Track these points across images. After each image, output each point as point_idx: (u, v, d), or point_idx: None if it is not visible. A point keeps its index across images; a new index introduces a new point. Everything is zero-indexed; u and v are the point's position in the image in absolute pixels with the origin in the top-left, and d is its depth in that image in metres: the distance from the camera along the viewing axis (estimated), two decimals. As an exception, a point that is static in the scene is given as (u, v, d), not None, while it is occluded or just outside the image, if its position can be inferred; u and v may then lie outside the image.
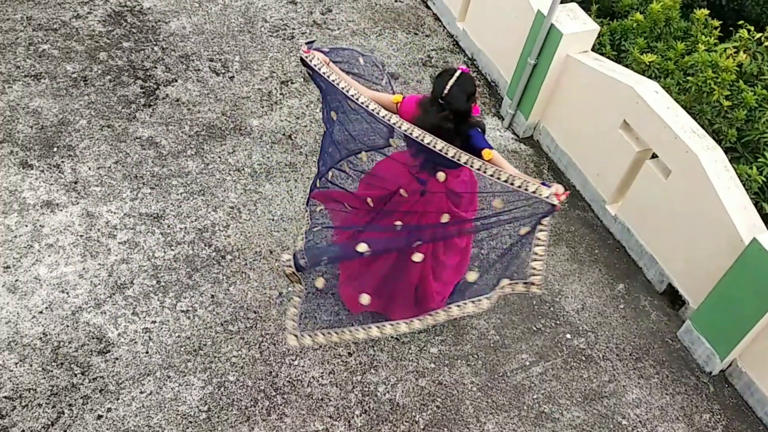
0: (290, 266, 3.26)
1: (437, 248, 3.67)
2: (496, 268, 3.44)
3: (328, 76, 3.36)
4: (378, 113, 3.23)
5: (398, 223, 3.57)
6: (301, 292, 3.51)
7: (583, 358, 4.28)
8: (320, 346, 4.02)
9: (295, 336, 3.49)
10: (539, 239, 3.20)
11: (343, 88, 3.32)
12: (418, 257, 3.58)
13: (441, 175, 3.39)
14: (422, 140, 3.13)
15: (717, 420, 4.14)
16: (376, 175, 3.71)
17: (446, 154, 3.12)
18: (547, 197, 3.05)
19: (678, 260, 4.54)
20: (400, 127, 3.19)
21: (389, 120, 3.21)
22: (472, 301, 3.42)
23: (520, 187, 3.06)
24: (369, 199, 3.68)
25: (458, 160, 3.11)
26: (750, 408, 4.21)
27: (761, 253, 3.85)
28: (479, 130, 3.40)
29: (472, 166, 3.11)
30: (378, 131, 3.55)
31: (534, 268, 3.26)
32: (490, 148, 3.31)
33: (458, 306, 3.46)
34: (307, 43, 3.45)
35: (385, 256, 3.61)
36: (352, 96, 3.29)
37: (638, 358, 4.33)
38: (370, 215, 3.68)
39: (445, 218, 3.50)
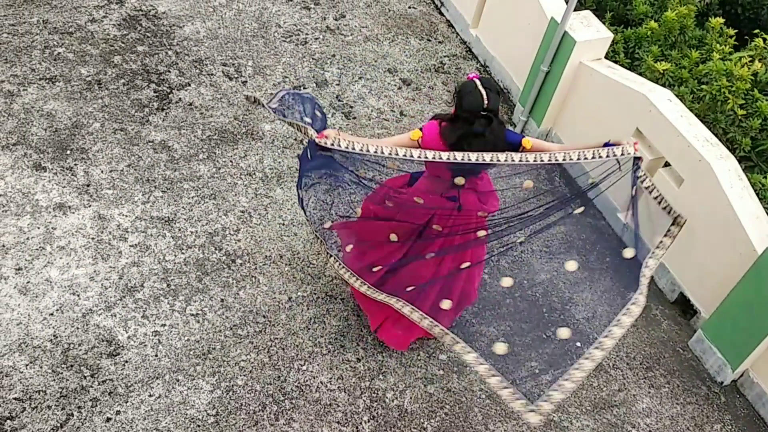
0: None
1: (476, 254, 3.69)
2: (555, 317, 3.47)
3: (361, 149, 3.19)
4: (426, 157, 3.16)
5: (430, 254, 3.56)
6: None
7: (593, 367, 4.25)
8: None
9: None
10: (648, 187, 3.21)
11: (374, 153, 3.19)
12: (465, 264, 3.60)
13: (459, 179, 3.39)
14: (470, 159, 3.09)
15: (728, 431, 4.09)
16: (401, 206, 3.61)
17: (514, 160, 3.12)
18: (623, 154, 3.10)
19: (690, 269, 4.50)
20: (450, 159, 3.11)
21: (444, 157, 3.12)
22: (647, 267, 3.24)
23: (587, 157, 3.10)
24: (393, 235, 3.61)
25: (528, 160, 3.13)
26: (762, 419, 4.17)
27: (774, 263, 3.82)
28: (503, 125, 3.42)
29: (535, 160, 3.13)
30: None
31: (665, 207, 3.26)
32: (523, 136, 3.37)
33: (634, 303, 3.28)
34: (308, 130, 3.30)
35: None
36: (389, 155, 3.18)
37: (649, 368, 4.30)
38: (402, 250, 3.64)
39: (481, 233, 3.52)
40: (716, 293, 4.25)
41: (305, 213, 3.65)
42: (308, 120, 3.45)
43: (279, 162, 4.96)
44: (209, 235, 4.48)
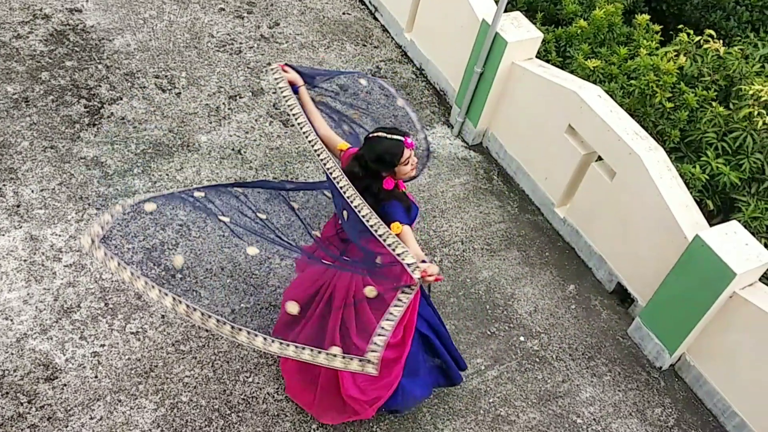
0: None
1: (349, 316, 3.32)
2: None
3: (286, 99, 3.23)
4: (319, 155, 3.13)
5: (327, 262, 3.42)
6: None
7: (537, 360, 4.32)
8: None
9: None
10: (392, 314, 2.90)
11: (295, 116, 3.19)
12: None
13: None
14: (340, 184, 3.05)
15: (669, 414, 4.22)
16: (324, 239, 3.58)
17: (356, 208, 3.01)
18: (411, 269, 2.84)
19: (625, 259, 4.63)
20: (334, 175, 3.08)
21: (325, 163, 3.12)
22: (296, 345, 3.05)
23: (395, 251, 2.89)
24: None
25: (367, 220, 2.99)
26: (700, 400, 4.31)
27: (704, 249, 3.95)
28: (401, 204, 3.23)
29: (360, 212, 3.01)
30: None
31: (375, 343, 2.85)
32: (404, 223, 3.13)
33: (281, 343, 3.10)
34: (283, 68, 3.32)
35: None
36: (305, 133, 3.18)
37: (591, 357, 4.39)
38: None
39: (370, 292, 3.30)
40: (652, 281, 4.38)
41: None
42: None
43: (216, 173, 4.90)
44: (147, 251, 4.39)
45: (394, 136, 3.19)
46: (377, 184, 3.21)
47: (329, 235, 3.50)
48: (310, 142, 3.18)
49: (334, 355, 2.98)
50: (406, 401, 3.67)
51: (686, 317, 4.16)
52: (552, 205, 5.07)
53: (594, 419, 4.10)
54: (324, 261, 3.38)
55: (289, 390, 3.86)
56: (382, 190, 3.21)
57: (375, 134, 3.22)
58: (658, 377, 4.38)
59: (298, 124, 3.23)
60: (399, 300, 2.92)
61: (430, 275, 2.86)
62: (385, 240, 2.94)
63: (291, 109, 3.27)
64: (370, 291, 3.17)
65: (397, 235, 2.99)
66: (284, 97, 3.31)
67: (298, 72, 3.45)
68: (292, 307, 3.38)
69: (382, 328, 2.86)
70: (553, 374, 4.27)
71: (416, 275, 2.85)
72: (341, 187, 3.06)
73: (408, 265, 2.86)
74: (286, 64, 3.44)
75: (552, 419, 4.07)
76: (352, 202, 3.04)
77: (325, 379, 3.55)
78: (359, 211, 3.01)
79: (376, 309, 3.07)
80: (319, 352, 3.00)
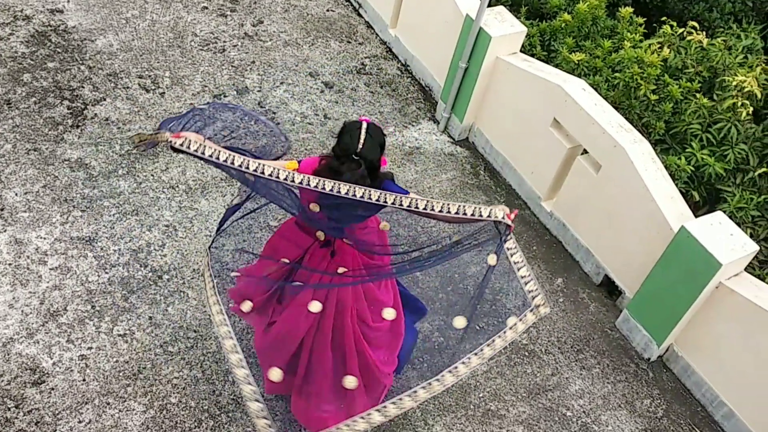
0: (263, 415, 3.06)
1: (363, 313, 3.37)
2: (486, 308, 3.28)
3: (217, 157, 2.86)
4: (285, 178, 2.86)
5: (297, 283, 3.31)
6: (255, 392, 3.12)
7: (526, 354, 4.33)
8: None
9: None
10: (517, 262, 3.03)
11: (239, 165, 2.86)
12: (315, 307, 3.25)
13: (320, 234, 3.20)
14: (341, 192, 2.83)
15: (657, 404, 4.24)
16: (282, 237, 3.45)
17: (371, 198, 2.85)
18: (502, 218, 2.94)
19: (612, 252, 4.65)
20: (308, 184, 2.83)
21: (297, 180, 2.85)
22: (482, 349, 3.17)
23: (466, 213, 2.91)
24: (285, 259, 3.38)
25: (385, 200, 2.87)
26: (688, 390, 4.33)
27: (689, 240, 3.98)
28: (391, 180, 3.17)
29: (401, 204, 2.89)
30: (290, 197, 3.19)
31: (531, 291, 3.05)
32: (407, 193, 3.05)
33: (450, 372, 3.16)
34: (158, 132, 2.96)
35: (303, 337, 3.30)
36: (254, 170, 2.86)
37: (579, 350, 4.41)
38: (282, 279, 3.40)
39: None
40: (638, 273, 4.40)
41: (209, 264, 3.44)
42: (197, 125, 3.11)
43: (202, 173, 4.88)
44: (133, 252, 4.37)
45: (359, 121, 3.03)
46: (377, 174, 3.09)
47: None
48: (285, 179, 2.88)
49: (511, 327, 3.13)
50: (407, 353, 3.60)
51: (673, 308, 4.18)
52: (539, 199, 5.08)
53: (583, 412, 4.12)
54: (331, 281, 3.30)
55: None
56: (378, 173, 3.08)
57: (363, 128, 2.99)
58: (647, 368, 4.40)
59: (253, 171, 2.88)
60: (510, 248, 3.04)
61: (512, 213, 3.01)
62: (456, 212, 2.90)
63: (233, 162, 2.89)
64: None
65: None
66: (217, 158, 2.89)
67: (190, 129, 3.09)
68: (275, 374, 3.31)
69: (523, 277, 3.03)
70: (542, 368, 4.28)
71: (507, 221, 2.96)
72: (354, 196, 2.84)
73: (496, 217, 2.95)
74: (170, 131, 3.01)
75: (542, 413, 4.08)
76: (370, 197, 2.87)
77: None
78: (405, 204, 2.89)
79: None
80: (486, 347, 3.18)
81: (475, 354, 3.19)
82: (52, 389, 3.73)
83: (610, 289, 4.74)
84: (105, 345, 3.94)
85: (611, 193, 4.51)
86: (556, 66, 5.31)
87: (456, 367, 3.20)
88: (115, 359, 3.89)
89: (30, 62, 5.35)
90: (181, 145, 2.85)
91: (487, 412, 4.03)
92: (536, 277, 3.12)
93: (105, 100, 5.20)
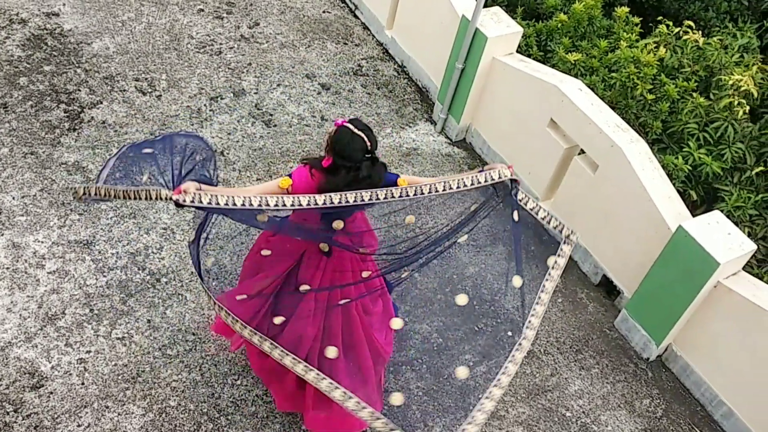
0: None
1: (364, 302, 3.45)
2: (485, 308, 3.34)
3: (226, 203, 2.83)
4: (294, 204, 2.86)
5: (305, 287, 3.29)
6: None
7: (525, 354, 4.33)
8: None
9: None
10: (533, 208, 3.21)
11: (243, 205, 2.83)
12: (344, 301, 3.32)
13: (338, 223, 3.16)
14: (364, 200, 2.88)
15: (657, 404, 4.25)
16: (262, 254, 3.41)
17: (394, 196, 2.91)
18: (504, 176, 3.03)
19: (610, 252, 4.65)
20: (333, 202, 2.86)
21: (315, 203, 2.86)
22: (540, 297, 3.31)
23: (467, 185, 2.99)
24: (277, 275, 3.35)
25: (408, 194, 2.95)
26: (687, 390, 4.34)
27: (687, 239, 3.98)
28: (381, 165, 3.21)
29: (415, 193, 2.95)
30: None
31: (556, 226, 3.22)
32: (397, 177, 3.16)
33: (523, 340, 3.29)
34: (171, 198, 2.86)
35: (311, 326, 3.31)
36: (259, 206, 2.85)
37: (578, 350, 4.41)
38: (274, 287, 3.37)
39: (365, 274, 3.34)
40: (637, 273, 4.40)
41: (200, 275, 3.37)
42: (163, 177, 3.01)
43: (200, 175, 4.87)
44: (131, 256, 4.36)
45: (344, 126, 3.05)
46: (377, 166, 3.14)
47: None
48: (283, 207, 2.87)
49: (553, 267, 3.28)
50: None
51: (672, 308, 4.19)
52: (536, 199, 5.08)
53: (583, 412, 4.13)
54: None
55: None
56: (376, 167, 3.12)
57: (361, 129, 3.04)
58: (646, 368, 4.40)
59: (259, 205, 2.87)
60: (522, 199, 3.17)
61: (508, 166, 3.07)
62: (458, 186, 2.99)
63: (234, 204, 2.86)
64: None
65: (409, 183, 3.05)
66: (216, 205, 2.86)
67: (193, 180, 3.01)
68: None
69: (543, 218, 3.16)
70: (541, 368, 4.28)
71: (507, 173, 3.04)
72: (362, 200, 2.89)
73: (498, 178, 3.03)
74: (178, 189, 2.91)
75: (541, 413, 4.08)
76: (386, 196, 2.93)
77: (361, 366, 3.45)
78: (411, 194, 2.96)
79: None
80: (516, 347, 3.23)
81: (537, 308, 3.31)
82: (51, 393, 3.73)
83: (608, 288, 4.74)
84: (104, 348, 3.93)
85: (608, 193, 4.52)
86: (553, 66, 5.31)
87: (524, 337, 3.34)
88: (113, 363, 3.88)
89: (26, 66, 5.34)
90: (192, 201, 2.79)
91: (487, 412, 4.03)
92: (551, 220, 3.26)
93: (102, 103, 5.19)
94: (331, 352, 3.26)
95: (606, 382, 4.29)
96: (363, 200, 2.88)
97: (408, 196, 2.94)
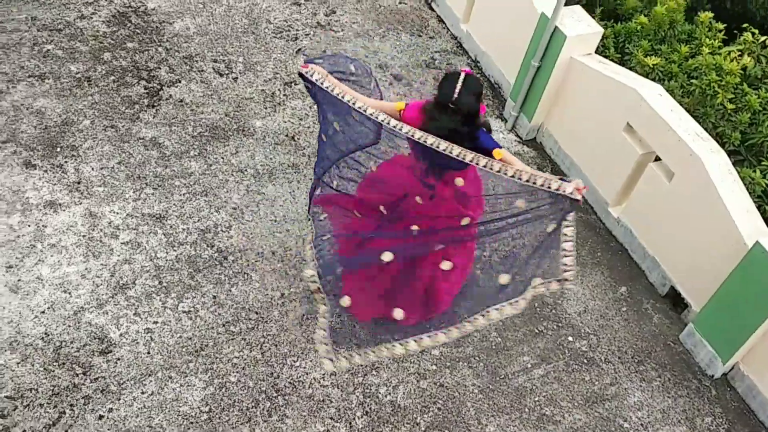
0: (315, 281, 3.30)
1: (449, 250, 3.64)
2: (528, 268, 3.39)
3: (332, 90, 3.33)
4: (387, 123, 3.22)
5: (415, 227, 3.54)
6: (326, 312, 3.44)
7: (585, 361, 4.27)
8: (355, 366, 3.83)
9: (330, 360, 3.40)
10: (566, 235, 3.20)
11: (348, 101, 3.30)
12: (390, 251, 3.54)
13: (459, 180, 3.42)
14: (426, 142, 3.13)
15: (719, 423, 4.12)
16: (380, 181, 3.67)
17: (450, 153, 3.11)
18: (570, 193, 3.10)
19: (681, 263, 4.53)
20: (407, 133, 3.18)
21: (399, 128, 3.19)
22: (510, 303, 3.36)
23: (536, 183, 3.11)
24: (381, 207, 3.64)
25: (463, 158, 3.11)
26: (752, 412, 4.20)
27: (764, 256, 3.84)
28: (485, 130, 3.42)
29: (477, 164, 3.11)
30: (371, 132, 3.51)
31: (565, 264, 3.22)
32: (500, 147, 3.33)
33: (483, 315, 3.39)
34: (303, 57, 3.45)
35: (395, 263, 3.54)
36: (359, 108, 3.27)
37: (640, 361, 4.32)
38: (378, 222, 3.65)
39: (465, 221, 3.50)
40: (707, 287, 4.28)
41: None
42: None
43: (271, 158, 4.95)
44: (201, 232, 4.47)
45: (464, 72, 3.28)
46: (475, 120, 3.30)
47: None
48: (383, 121, 3.24)
49: (534, 287, 3.29)
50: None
51: (742, 326, 4.05)
52: (606, 205, 4.99)
53: (641, 424, 4.04)
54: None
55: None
56: (477, 121, 3.30)
57: (460, 79, 3.21)
58: (710, 385, 4.28)
59: (358, 108, 3.29)
60: (567, 221, 3.18)
61: (583, 188, 3.13)
62: (512, 175, 3.09)
63: (342, 97, 3.32)
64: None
65: (501, 159, 3.23)
66: (331, 90, 3.35)
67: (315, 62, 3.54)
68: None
69: (564, 250, 3.19)
70: (600, 376, 4.21)
71: (577, 196, 3.11)
72: (444, 150, 3.11)
73: (564, 191, 3.10)
74: (305, 62, 3.49)
75: (598, 422, 4.02)
76: (450, 152, 3.11)
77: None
78: (490, 168, 3.10)
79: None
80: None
81: (510, 303, 3.37)
82: (119, 359, 3.86)
83: (675, 301, 4.62)
84: (170, 320, 4.04)
85: (683, 203, 4.40)
86: (630, 69, 5.19)
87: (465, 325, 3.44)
88: (179, 335, 3.99)
89: (110, 42, 5.51)
90: (310, 75, 3.37)
91: (542, 416, 3.99)
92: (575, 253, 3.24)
93: (180, 82, 5.32)
94: (398, 313, 3.53)
95: (667, 396, 4.19)
96: (450, 153, 3.10)
97: (491, 169, 3.12)
